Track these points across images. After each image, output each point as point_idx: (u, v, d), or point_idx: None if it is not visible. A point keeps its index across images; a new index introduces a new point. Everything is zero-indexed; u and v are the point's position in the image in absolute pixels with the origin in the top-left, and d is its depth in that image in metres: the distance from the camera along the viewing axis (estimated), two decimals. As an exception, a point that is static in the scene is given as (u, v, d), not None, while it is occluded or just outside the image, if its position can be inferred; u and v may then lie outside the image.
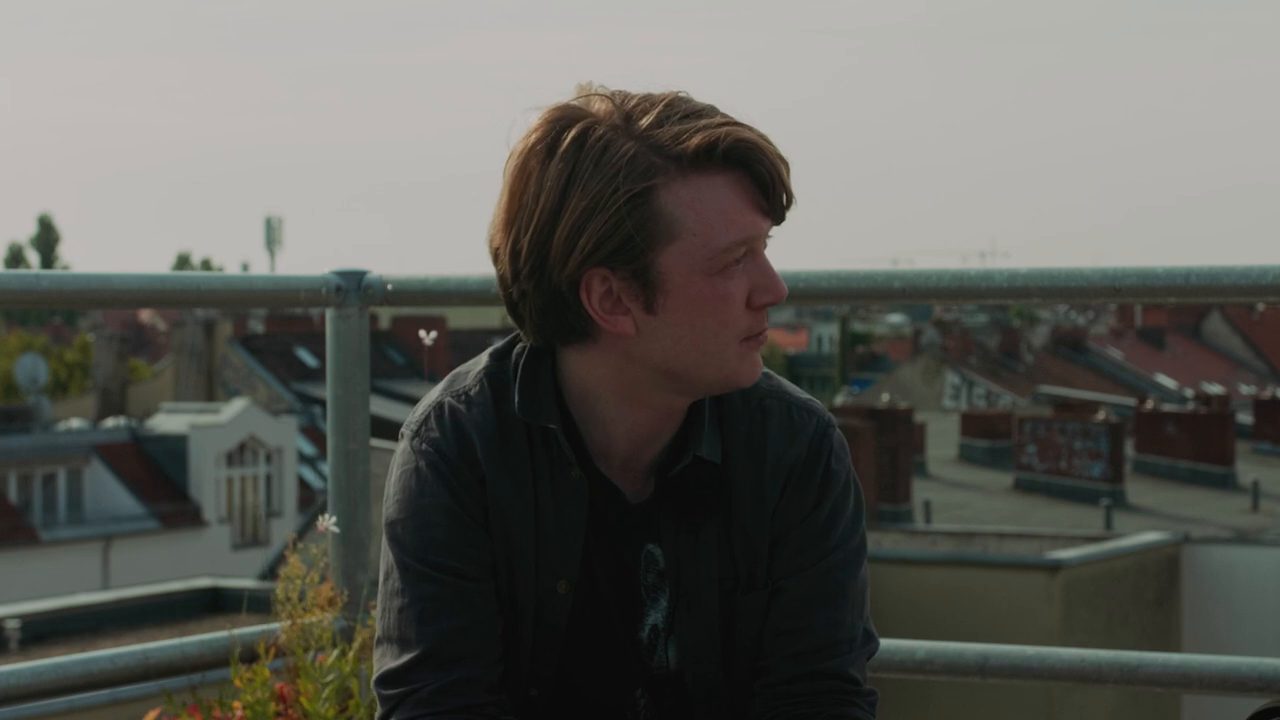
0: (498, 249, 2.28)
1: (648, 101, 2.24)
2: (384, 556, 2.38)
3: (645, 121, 2.22)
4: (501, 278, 2.30)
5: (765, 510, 2.36)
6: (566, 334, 2.29)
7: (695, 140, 2.21)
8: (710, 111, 2.25)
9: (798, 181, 2.29)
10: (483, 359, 2.40)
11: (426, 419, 2.36)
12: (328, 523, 3.54)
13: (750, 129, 2.24)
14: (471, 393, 2.36)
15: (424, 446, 2.35)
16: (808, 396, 2.43)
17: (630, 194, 2.19)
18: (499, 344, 2.40)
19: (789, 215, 2.29)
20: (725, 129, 2.22)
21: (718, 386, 2.30)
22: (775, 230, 2.29)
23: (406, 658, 2.32)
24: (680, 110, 2.23)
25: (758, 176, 2.23)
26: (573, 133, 2.22)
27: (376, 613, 2.38)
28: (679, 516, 2.35)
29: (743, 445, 2.36)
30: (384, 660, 2.35)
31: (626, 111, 2.23)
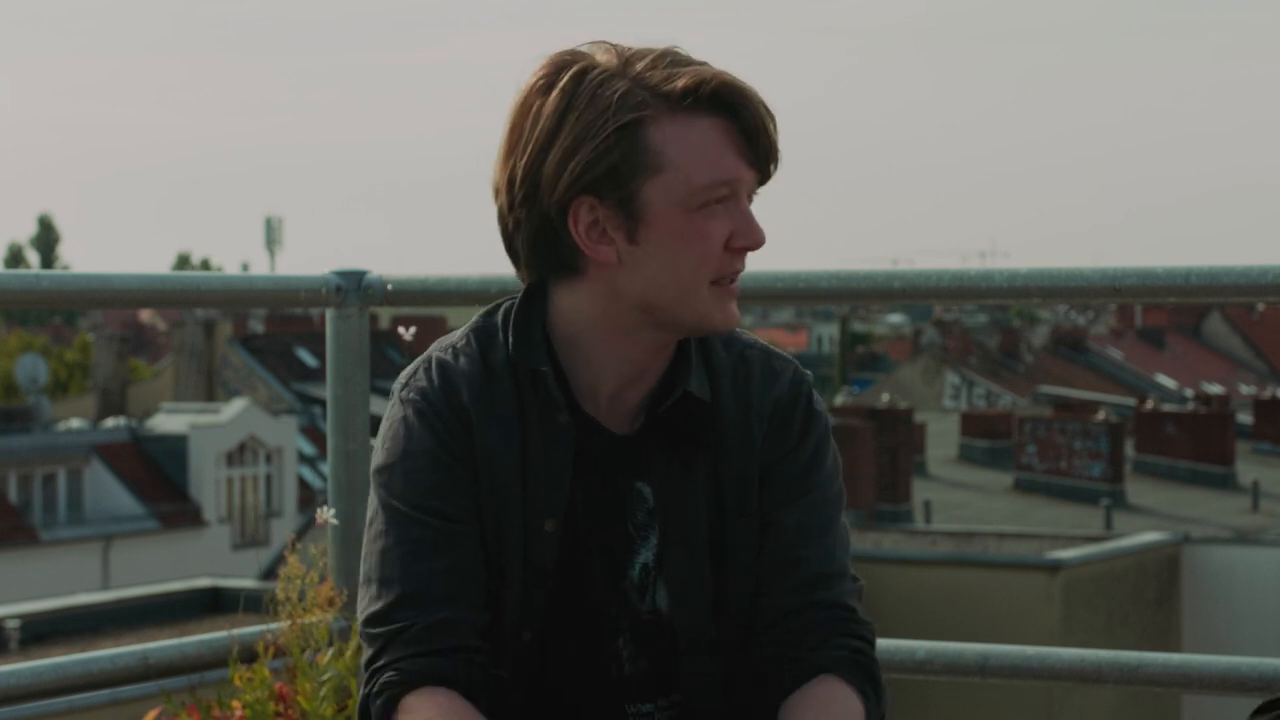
0: (496, 183, 2.40)
1: (646, 50, 2.37)
2: (370, 503, 2.42)
3: (640, 65, 2.34)
4: (499, 212, 2.41)
5: (753, 447, 2.44)
6: (556, 266, 2.38)
7: (683, 81, 2.32)
8: (701, 62, 2.37)
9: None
10: (472, 320, 2.48)
11: (415, 372, 2.45)
12: (327, 515, 3.55)
13: (739, 80, 2.35)
14: (458, 344, 2.45)
15: (411, 396, 2.42)
16: (782, 349, 2.55)
17: (619, 124, 2.30)
18: (487, 308, 2.49)
19: (775, 175, 2.39)
20: (713, 74, 2.34)
21: (694, 327, 2.39)
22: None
23: (391, 596, 2.35)
24: (674, 58, 2.36)
25: (742, 123, 2.34)
26: (571, 71, 2.35)
27: (361, 556, 2.41)
28: (669, 452, 2.41)
29: (729, 387, 2.45)
30: (368, 601, 2.37)
31: (625, 57, 2.36)
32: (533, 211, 2.35)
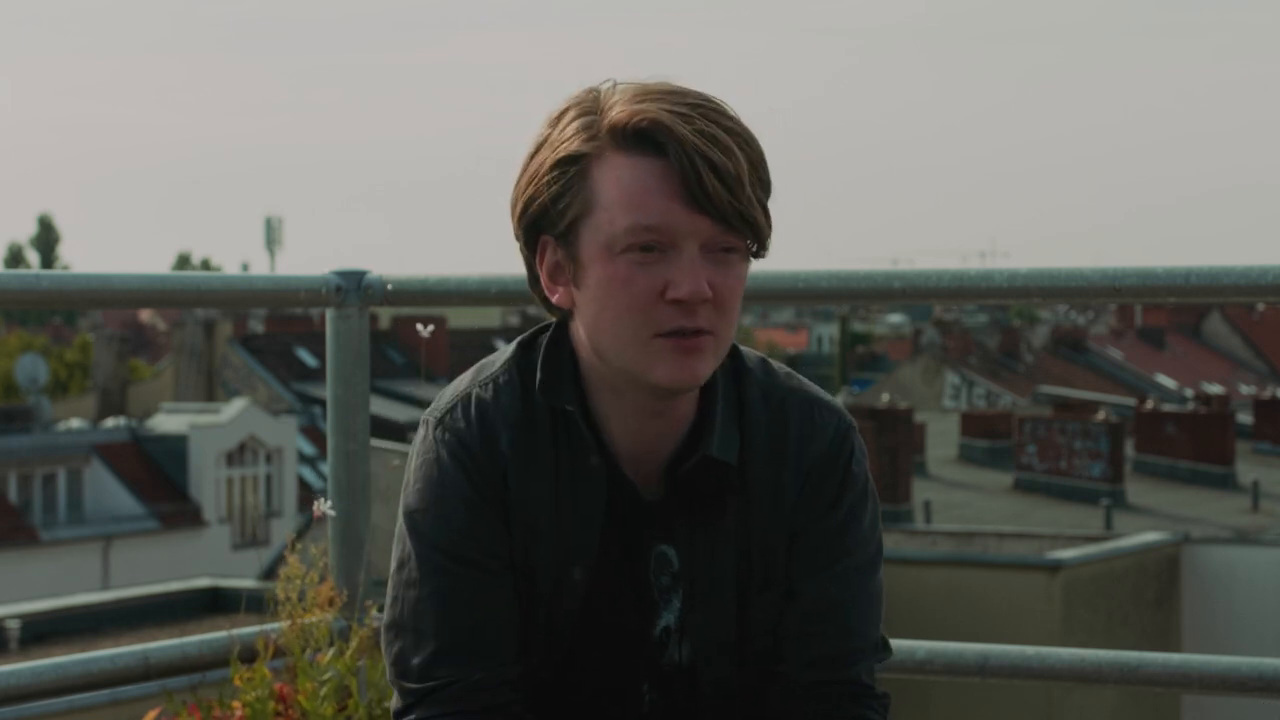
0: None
1: (634, 85, 2.26)
2: (399, 544, 2.36)
3: (611, 100, 2.25)
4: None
5: (784, 508, 2.34)
6: (547, 305, 2.34)
7: (617, 115, 2.22)
8: (672, 97, 2.23)
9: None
10: (510, 348, 2.40)
11: (453, 408, 2.35)
12: (324, 507, 3.54)
13: (683, 115, 2.20)
14: (500, 380, 2.36)
15: (447, 436, 2.34)
16: (830, 397, 2.41)
17: (558, 158, 2.24)
18: (525, 334, 2.40)
19: (759, 224, 2.22)
20: (646, 108, 2.21)
21: (640, 381, 2.26)
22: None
23: (427, 651, 2.30)
24: (646, 93, 2.24)
25: (679, 165, 2.19)
26: (559, 109, 2.29)
27: (388, 600, 2.36)
28: (692, 516, 2.33)
29: (763, 442, 2.34)
30: (400, 651, 2.33)
31: (610, 92, 2.26)
32: (521, 251, 2.33)
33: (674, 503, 2.33)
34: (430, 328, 3.80)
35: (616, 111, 2.23)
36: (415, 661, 2.31)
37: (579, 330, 2.31)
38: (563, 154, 2.24)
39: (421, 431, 2.37)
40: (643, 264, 2.21)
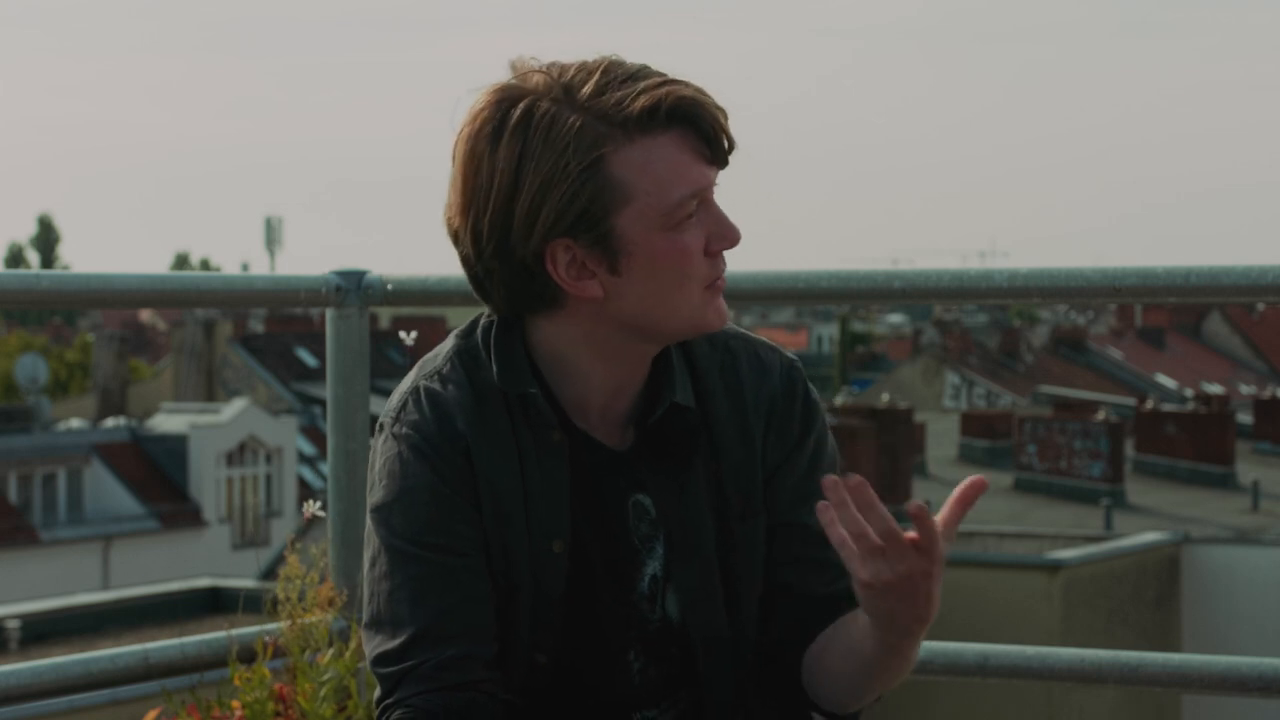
0: (457, 230, 2.34)
1: (584, 70, 2.29)
2: (369, 542, 2.39)
3: (586, 90, 2.28)
4: (465, 258, 2.35)
5: (752, 446, 2.42)
6: (535, 303, 2.34)
7: (639, 104, 2.27)
8: (645, 73, 2.31)
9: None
10: (449, 341, 2.44)
11: (404, 404, 2.39)
12: (313, 509, 3.54)
13: (687, 84, 2.30)
14: (444, 371, 2.40)
15: (404, 430, 2.37)
16: (766, 338, 2.51)
17: (582, 166, 2.26)
18: (461, 325, 2.45)
19: (733, 161, 2.34)
20: (665, 89, 2.28)
21: (688, 334, 2.37)
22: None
23: (402, 637, 2.32)
24: (617, 75, 2.29)
25: (701, 130, 2.29)
26: (518, 111, 2.28)
27: (364, 597, 2.38)
28: (663, 461, 2.39)
29: (718, 386, 2.43)
30: (378, 642, 2.35)
31: (565, 84, 2.28)
32: (506, 260, 2.31)
33: (644, 452, 2.39)
34: (415, 334, 3.79)
35: (630, 100, 2.26)
36: (390, 648, 2.33)
37: (554, 320, 2.34)
38: (583, 161, 2.26)
39: (380, 435, 2.40)
40: (689, 228, 2.31)
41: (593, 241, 2.28)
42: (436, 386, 2.39)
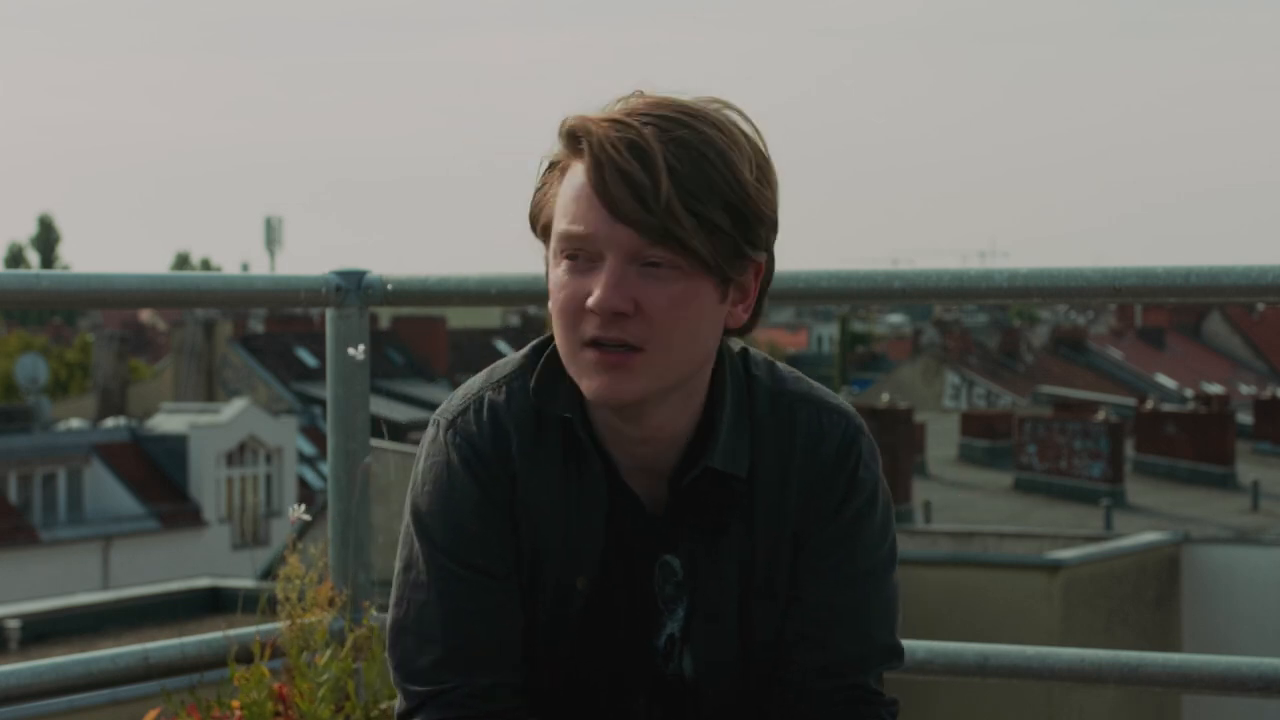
0: None
1: (647, 95, 2.23)
2: (405, 545, 2.34)
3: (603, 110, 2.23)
4: None
5: (788, 514, 2.31)
6: None
7: (572, 125, 2.21)
8: (648, 106, 2.20)
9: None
10: (524, 350, 2.38)
11: (465, 410, 2.33)
12: (298, 512, 3.54)
13: (619, 123, 2.18)
14: (513, 384, 2.33)
15: (458, 439, 2.31)
16: (839, 400, 2.37)
17: (545, 167, 2.25)
18: (541, 338, 2.37)
19: (689, 234, 2.16)
20: (588, 115, 2.20)
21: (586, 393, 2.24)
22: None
23: (433, 655, 2.29)
24: (632, 101, 2.22)
25: (592, 172, 2.17)
26: None
27: (393, 599, 2.34)
28: (695, 527, 2.31)
29: (770, 451, 2.31)
30: (406, 653, 2.32)
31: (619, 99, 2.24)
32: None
33: (677, 514, 2.31)
34: (362, 347, 3.75)
35: (591, 124, 2.19)
36: (421, 665, 2.30)
37: None
38: (549, 159, 2.25)
39: (432, 432, 2.34)
40: (573, 271, 2.20)
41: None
42: (501, 400, 2.32)
